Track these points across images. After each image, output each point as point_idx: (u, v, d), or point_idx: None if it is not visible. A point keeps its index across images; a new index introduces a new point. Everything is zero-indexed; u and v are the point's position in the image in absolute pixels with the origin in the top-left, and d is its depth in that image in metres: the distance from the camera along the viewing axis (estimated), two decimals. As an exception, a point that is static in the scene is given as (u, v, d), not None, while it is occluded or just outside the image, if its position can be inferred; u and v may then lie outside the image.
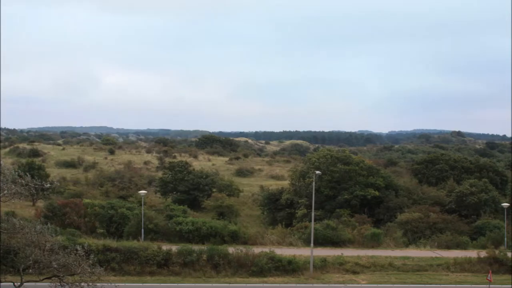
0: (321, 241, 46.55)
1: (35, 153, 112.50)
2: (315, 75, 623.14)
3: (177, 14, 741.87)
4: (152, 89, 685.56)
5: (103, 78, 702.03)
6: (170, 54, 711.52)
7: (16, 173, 22.71)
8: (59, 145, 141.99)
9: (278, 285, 36.38)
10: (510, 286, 36.77)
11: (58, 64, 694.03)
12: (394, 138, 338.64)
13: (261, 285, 36.16)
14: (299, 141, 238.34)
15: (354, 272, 39.10)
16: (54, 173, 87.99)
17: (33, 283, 22.99)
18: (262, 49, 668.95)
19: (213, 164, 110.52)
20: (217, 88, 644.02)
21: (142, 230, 45.97)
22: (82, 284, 22.11)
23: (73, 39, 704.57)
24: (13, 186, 21.61)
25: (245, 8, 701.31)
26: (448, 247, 47.40)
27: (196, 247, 39.91)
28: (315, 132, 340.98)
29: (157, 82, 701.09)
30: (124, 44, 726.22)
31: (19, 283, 22.32)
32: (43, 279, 22.77)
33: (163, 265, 37.90)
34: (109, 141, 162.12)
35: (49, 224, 23.88)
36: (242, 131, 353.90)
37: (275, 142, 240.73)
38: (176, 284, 35.66)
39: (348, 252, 43.19)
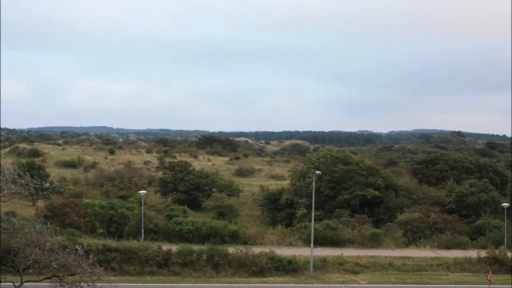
0: (321, 241, 46.59)
1: (35, 153, 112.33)
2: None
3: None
4: (152, 89, 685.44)
5: (103, 79, 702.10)
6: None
7: (16, 173, 22.71)
8: (59, 145, 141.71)
9: (278, 285, 36.40)
10: (510, 286, 36.78)
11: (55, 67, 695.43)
12: (394, 138, 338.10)
13: (261, 285, 36.17)
14: (299, 141, 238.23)
15: (354, 272, 39.11)
16: (54, 173, 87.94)
17: (33, 283, 22.99)
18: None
19: (213, 164, 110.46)
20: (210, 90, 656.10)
21: (142, 230, 46.00)
22: (82, 284, 22.12)
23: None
24: (13, 186, 21.61)
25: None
26: (448, 247, 47.41)
27: (196, 247, 39.95)
28: (315, 132, 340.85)
29: (156, 82, 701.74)
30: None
31: (19, 283, 22.32)
32: (43, 279, 22.77)
33: (163, 265, 37.93)
34: (109, 141, 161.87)
35: (49, 224, 23.90)
36: (242, 131, 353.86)
37: (275, 142, 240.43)
38: (176, 284, 35.67)
39: (348, 252, 43.20)
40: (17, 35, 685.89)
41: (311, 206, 47.80)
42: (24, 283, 22.44)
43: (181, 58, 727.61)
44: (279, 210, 67.70)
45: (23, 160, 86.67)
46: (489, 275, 34.81)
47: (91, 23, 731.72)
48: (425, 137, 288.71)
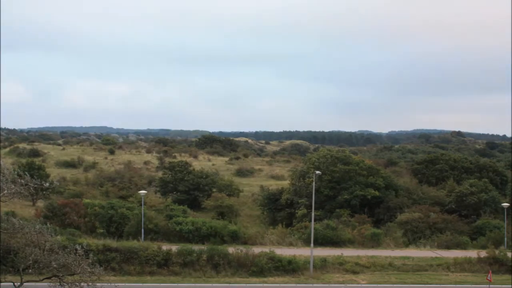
0: (321, 241, 46.59)
1: (35, 153, 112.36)
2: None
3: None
4: (152, 90, 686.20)
5: (102, 79, 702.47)
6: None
7: (16, 173, 22.69)
8: (59, 145, 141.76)
9: (278, 285, 36.38)
10: (510, 286, 36.76)
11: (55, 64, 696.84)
12: (394, 138, 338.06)
13: (261, 285, 36.16)
14: (299, 141, 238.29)
15: (354, 272, 39.09)
16: (54, 173, 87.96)
17: (33, 283, 22.97)
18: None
19: (213, 164, 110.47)
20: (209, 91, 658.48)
21: (142, 230, 45.99)
22: (82, 284, 22.08)
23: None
24: (13, 186, 21.57)
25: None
26: (448, 247, 47.40)
27: (196, 247, 39.92)
28: (315, 132, 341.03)
29: (156, 82, 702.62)
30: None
31: (19, 283, 22.29)
32: (43, 279, 22.74)
33: (163, 265, 37.91)
34: (109, 141, 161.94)
35: (48, 224, 23.84)
36: (242, 131, 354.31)
37: (275, 142, 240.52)
38: (176, 284, 35.66)
39: (348, 252, 43.19)
40: (18, 37, 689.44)
41: (311, 206, 47.79)
42: (24, 283, 22.41)
43: (182, 59, 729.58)
44: (279, 210, 67.70)
45: (23, 160, 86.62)
46: (489, 275, 34.79)
47: (91, 24, 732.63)
48: (425, 137, 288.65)
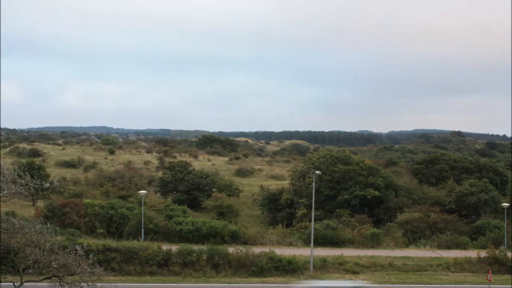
0: (321, 241, 46.61)
1: (35, 153, 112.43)
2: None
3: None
4: (152, 90, 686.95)
5: (103, 80, 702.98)
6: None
7: (16, 173, 22.68)
8: (59, 145, 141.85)
9: (278, 285, 36.39)
10: (510, 286, 36.77)
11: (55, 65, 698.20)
12: (394, 138, 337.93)
13: (261, 285, 36.17)
14: (299, 141, 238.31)
15: (354, 272, 39.11)
16: (54, 173, 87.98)
17: (33, 283, 22.97)
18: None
19: (213, 164, 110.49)
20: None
21: (142, 230, 46.01)
22: (82, 284, 22.07)
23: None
24: (13, 186, 21.56)
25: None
26: (448, 247, 47.44)
27: (196, 247, 39.94)
28: (315, 132, 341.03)
29: (157, 83, 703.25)
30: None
31: (19, 283, 22.29)
32: (43, 279, 22.73)
33: (163, 265, 37.94)
34: (109, 141, 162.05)
35: (48, 224, 23.83)
36: (242, 131, 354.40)
37: (275, 142, 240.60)
38: (176, 284, 35.68)
39: (348, 252, 43.21)
40: (19, 43, 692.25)
41: (311, 206, 47.82)
42: (24, 283, 22.41)
43: (182, 60, 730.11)
44: (279, 210, 67.71)
45: (23, 160, 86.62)
46: (489, 275, 34.80)
47: (90, 26, 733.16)
48: (425, 137, 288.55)
